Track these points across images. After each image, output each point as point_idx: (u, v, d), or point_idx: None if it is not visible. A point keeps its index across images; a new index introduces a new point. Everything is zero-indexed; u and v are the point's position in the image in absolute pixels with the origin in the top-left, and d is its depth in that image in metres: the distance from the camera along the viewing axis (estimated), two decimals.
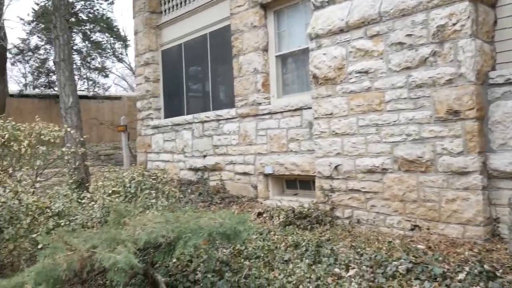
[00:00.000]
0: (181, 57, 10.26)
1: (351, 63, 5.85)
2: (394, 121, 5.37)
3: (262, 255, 4.73)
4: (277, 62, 7.85)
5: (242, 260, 4.61)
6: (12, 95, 21.98)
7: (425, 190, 5.10)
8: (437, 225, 4.99)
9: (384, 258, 4.31)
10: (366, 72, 5.67)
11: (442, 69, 4.92)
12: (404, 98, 5.27)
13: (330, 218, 6.03)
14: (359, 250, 4.67)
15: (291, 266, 4.38)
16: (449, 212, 4.87)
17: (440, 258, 4.21)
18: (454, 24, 4.81)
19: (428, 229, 5.07)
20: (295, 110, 7.16)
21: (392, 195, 5.43)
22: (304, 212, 6.16)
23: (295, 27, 7.61)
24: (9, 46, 21.37)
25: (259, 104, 7.85)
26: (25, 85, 23.67)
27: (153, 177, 5.30)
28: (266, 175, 7.68)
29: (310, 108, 6.66)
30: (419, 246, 4.68)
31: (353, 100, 5.82)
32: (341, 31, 5.94)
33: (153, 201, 4.82)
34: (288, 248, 4.93)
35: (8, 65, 22.25)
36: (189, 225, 3.28)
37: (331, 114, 6.10)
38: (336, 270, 4.21)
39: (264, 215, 6.63)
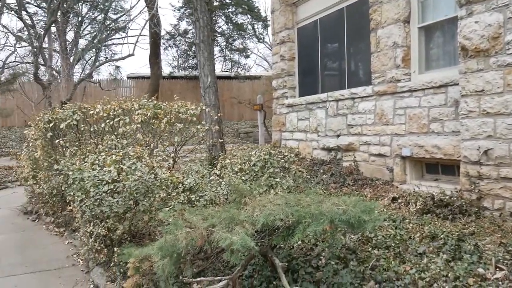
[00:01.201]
0: (316, 34, 9.99)
1: (509, 31, 5.02)
2: None
3: (393, 245, 4.35)
4: (420, 34, 7.13)
5: (370, 248, 4.29)
6: (164, 77, 23.98)
7: None
8: None
9: None
10: None
11: None
12: None
13: (476, 209, 5.33)
14: (510, 248, 4.02)
15: (425, 260, 3.94)
16: None
17: None
18: None
19: None
20: (439, 87, 6.44)
21: None
22: (445, 200, 5.55)
23: None
24: (162, 32, 23.26)
25: (398, 80, 7.25)
26: (177, 67, 25.58)
27: (280, 156, 5.20)
28: (404, 158, 7.11)
29: (457, 84, 5.94)
30: None
31: (511, 74, 5.00)
32: None
33: (278, 180, 4.72)
34: (424, 240, 4.46)
35: (162, 50, 24.27)
36: (309, 209, 3.08)
37: (482, 90, 5.34)
38: (480, 270, 3.65)
39: (399, 200, 6.15)
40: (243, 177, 4.84)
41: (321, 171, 8.38)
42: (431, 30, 7.05)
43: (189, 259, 3.38)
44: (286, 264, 3.36)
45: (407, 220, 5.19)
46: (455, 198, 5.55)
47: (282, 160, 5.15)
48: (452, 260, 3.90)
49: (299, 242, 4.22)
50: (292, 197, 3.41)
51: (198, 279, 3.22)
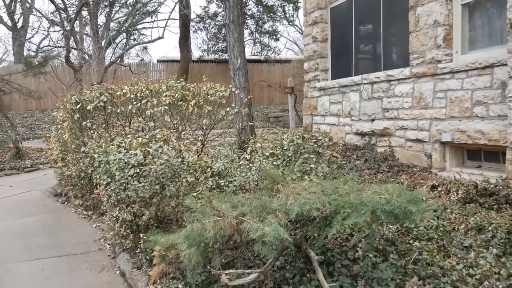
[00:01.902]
0: (350, 14, 9.55)
1: None
2: None
3: (435, 236, 4.04)
4: (463, 11, 6.65)
5: (411, 240, 3.99)
6: (194, 61, 23.86)
7: None
8: None
9: None
10: None
11: None
12: None
13: None
14: None
15: (472, 254, 3.62)
16: None
17: None
18: None
19: None
20: (484, 67, 6.00)
21: None
22: (489, 188, 5.18)
23: None
24: (192, 15, 23.05)
25: (439, 61, 6.82)
26: (206, 51, 25.38)
27: (313, 140, 4.92)
28: (443, 143, 6.72)
29: (504, 65, 5.51)
30: None
31: None
32: None
33: (312, 166, 4.45)
34: (469, 232, 4.14)
35: (191, 33, 24.08)
36: (348, 198, 2.82)
37: None
38: None
39: (439, 188, 5.80)
40: (274, 162, 4.59)
41: (354, 156, 8.06)
42: (475, 7, 6.57)
43: (217, 248, 3.18)
44: (322, 257, 3.11)
45: (448, 210, 4.86)
46: (500, 187, 5.18)
47: (315, 145, 4.87)
48: (503, 255, 3.57)
49: (334, 232, 3.96)
50: (329, 184, 3.14)
51: (227, 271, 3.00)
